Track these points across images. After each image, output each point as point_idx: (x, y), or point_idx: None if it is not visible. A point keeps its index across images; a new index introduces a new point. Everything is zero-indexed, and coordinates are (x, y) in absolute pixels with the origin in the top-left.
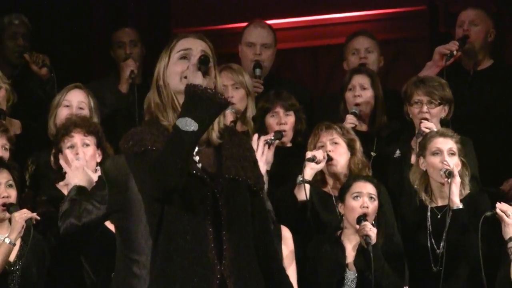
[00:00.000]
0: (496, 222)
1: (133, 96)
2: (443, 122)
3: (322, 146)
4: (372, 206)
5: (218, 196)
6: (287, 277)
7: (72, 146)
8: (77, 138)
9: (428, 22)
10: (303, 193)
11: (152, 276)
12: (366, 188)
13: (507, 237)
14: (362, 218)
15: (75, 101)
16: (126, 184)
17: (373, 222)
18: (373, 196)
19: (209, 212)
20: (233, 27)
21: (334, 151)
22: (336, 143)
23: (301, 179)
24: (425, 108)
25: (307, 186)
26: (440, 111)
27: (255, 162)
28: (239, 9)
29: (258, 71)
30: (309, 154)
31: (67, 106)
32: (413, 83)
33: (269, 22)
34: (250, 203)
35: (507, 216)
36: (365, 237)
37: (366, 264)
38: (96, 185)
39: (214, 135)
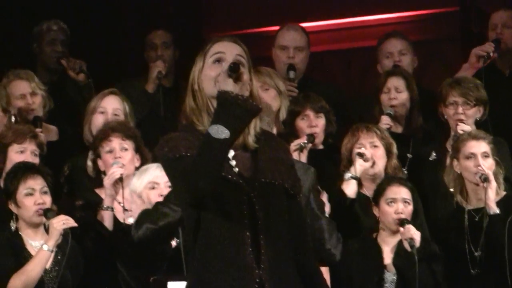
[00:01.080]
0: None
1: (158, 97)
2: (478, 123)
3: (361, 148)
4: (407, 211)
5: (254, 200)
6: (324, 282)
7: (110, 151)
8: (116, 142)
9: (460, 22)
10: (351, 189)
11: (189, 281)
12: (401, 194)
13: None
14: (406, 221)
15: (110, 108)
16: None
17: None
18: (408, 200)
19: (246, 216)
20: (266, 31)
21: (373, 154)
22: (376, 146)
23: (350, 175)
24: (460, 109)
25: (355, 182)
26: (475, 112)
27: (292, 166)
28: (272, 13)
29: (292, 73)
30: (359, 150)
31: (102, 112)
32: (448, 84)
33: (302, 25)
34: (287, 206)
35: None
36: (410, 240)
37: (406, 266)
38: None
39: (250, 139)
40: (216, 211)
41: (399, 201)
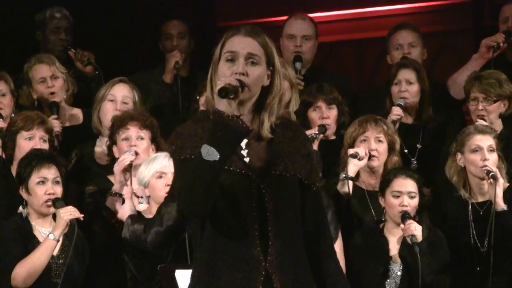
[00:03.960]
0: None
1: (176, 87)
2: (503, 117)
3: (365, 141)
4: (412, 203)
5: (264, 192)
6: (343, 275)
7: (126, 138)
8: (133, 130)
9: (473, 14)
10: (346, 189)
11: (195, 272)
12: (406, 187)
13: None
14: (407, 216)
15: (119, 95)
16: None
17: (416, 216)
18: (413, 193)
19: (255, 208)
20: (277, 20)
21: (377, 149)
22: (380, 141)
23: (344, 175)
24: (480, 106)
25: (350, 182)
26: (498, 107)
27: (309, 155)
28: (284, 3)
29: (298, 64)
30: (351, 151)
31: (112, 100)
32: (470, 80)
33: (314, 14)
34: (302, 197)
35: None
36: (411, 236)
37: (411, 258)
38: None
39: (265, 130)
40: (224, 202)
41: (404, 194)
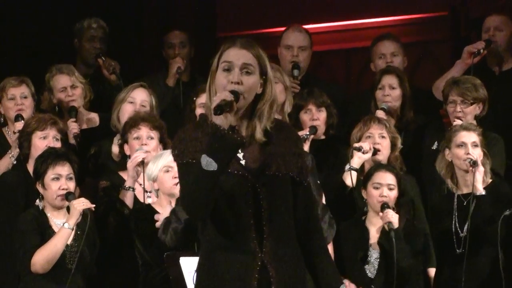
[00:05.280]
0: None
1: (178, 90)
2: (478, 118)
3: (370, 137)
4: (392, 195)
5: (259, 191)
6: (333, 264)
7: (138, 138)
8: (144, 130)
9: (450, 26)
10: (350, 179)
11: (200, 259)
12: (386, 179)
13: None
14: (385, 206)
15: (139, 99)
16: None
17: (394, 207)
18: (392, 186)
19: (251, 205)
20: (274, 31)
21: (381, 143)
22: (383, 137)
23: (349, 166)
24: (458, 108)
25: (354, 173)
26: (474, 110)
27: (300, 154)
28: (279, 15)
29: (296, 71)
30: (356, 144)
31: (131, 102)
32: (449, 84)
33: (306, 26)
34: (294, 193)
35: None
36: (388, 223)
37: (388, 245)
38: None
39: (258, 134)
40: (223, 201)
41: (384, 185)
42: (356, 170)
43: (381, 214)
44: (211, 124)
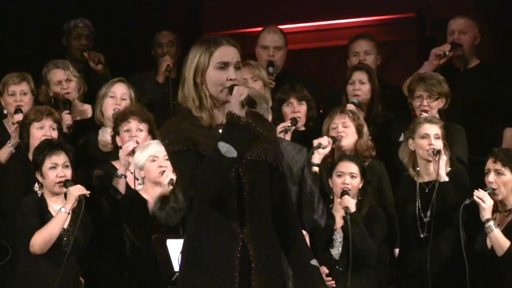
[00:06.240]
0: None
1: (168, 86)
2: (441, 112)
3: (334, 128)
4: (354, 183)
5: (241, 175)
6: (305, 241)
7: (128, 130)
8: (133, 123)
9: (417, 27)
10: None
11: (185, 242)
12: (348, 168)
13: (483, 219)
14: (345, 192)
15: (119, 92)
16: None
17: (358, 194)
18: (355, 174)
19: (234, 189)
20: (253, 31)
21: (344, 132)
22: (346, 126)
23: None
24: (425, 102)
25: (316, 168)
26: (438, 104)
27: (275, 141)
28: (259, 16)
29: (271, 69)
30: (315, 142)
31: (112, 97)
32: (415, 81)
33: (284, 26)
34: (270, 177)
35: (483, 202)
36: (345, 208)
37: (347, 228)
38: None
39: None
40: None
41: (346, 174)
42: (317, 165)
43: (339, 200)
44: (231, 115)
